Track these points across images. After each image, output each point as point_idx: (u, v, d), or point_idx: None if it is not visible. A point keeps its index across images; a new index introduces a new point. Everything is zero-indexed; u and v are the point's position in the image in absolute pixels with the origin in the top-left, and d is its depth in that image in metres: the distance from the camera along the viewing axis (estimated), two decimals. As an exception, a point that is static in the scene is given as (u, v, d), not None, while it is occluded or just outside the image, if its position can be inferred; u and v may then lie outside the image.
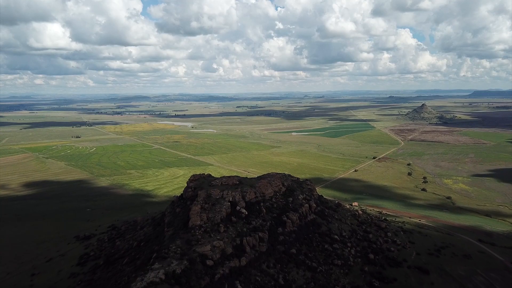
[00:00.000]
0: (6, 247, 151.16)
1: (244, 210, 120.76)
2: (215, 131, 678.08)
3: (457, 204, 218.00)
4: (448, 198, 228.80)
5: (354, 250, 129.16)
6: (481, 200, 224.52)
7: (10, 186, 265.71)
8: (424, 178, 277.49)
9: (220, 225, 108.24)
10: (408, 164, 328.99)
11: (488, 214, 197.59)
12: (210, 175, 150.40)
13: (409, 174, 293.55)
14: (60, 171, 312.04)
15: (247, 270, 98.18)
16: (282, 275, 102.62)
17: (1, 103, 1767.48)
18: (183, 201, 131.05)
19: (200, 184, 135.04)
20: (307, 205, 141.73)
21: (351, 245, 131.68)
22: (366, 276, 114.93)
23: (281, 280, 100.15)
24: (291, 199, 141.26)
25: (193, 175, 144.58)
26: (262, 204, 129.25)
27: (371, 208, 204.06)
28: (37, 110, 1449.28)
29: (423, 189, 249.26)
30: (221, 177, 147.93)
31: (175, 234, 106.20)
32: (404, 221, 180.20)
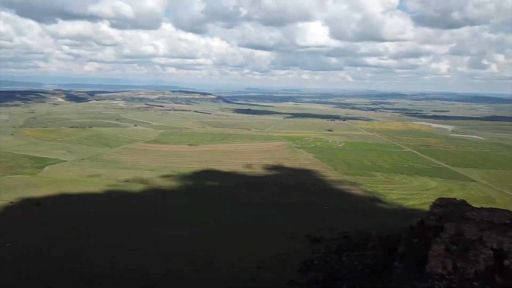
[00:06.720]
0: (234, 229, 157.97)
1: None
2: (482, 138, 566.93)
3: None
4: None
5: None
6: None
7: (254, 168, 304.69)
8: None
9: (475, 283, 76.99)
10: None
11: None
12: (464, 202, 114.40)
13: None
14: (307, 162, 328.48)
15: None
16: None
17: (275, 95, 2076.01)
18: (424, 230, 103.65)
19: (448, 212, 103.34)
20: None
21: None
22: None
23: None
24: None
25: (439, 198, 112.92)
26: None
27: None
28: (300, 102, 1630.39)
29: None
30: (481, 207, 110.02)
31: (405, 275, 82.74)
32: None
